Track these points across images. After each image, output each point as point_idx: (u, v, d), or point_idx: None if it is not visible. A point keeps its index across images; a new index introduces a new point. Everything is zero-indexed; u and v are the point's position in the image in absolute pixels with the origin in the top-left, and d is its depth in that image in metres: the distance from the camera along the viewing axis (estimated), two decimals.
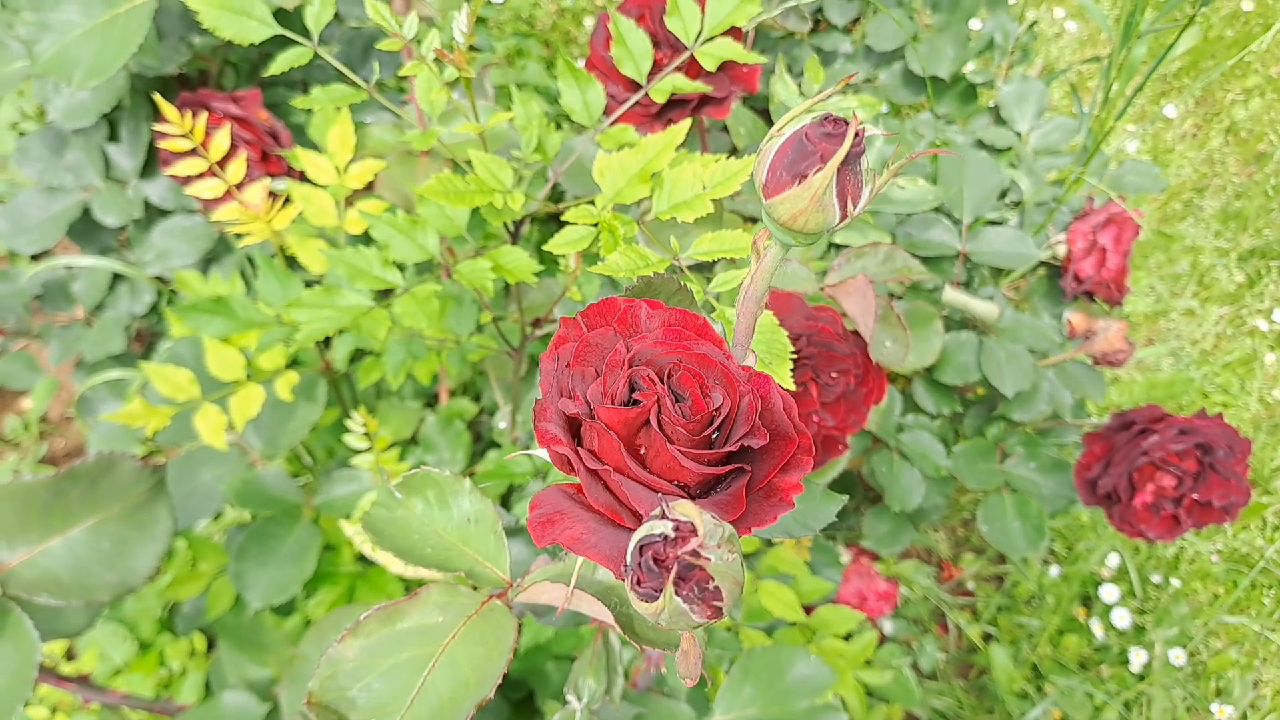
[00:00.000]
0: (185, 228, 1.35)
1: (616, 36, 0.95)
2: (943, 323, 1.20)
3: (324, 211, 1.05)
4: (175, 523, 0.85)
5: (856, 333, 0.90)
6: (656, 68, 0.99)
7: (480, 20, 2.07)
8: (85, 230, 1.41)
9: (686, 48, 0.96)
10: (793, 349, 0.89)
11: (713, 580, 0.32)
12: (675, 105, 1.02)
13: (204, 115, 0.99)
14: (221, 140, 0.98)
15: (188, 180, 1.04)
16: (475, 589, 0.52)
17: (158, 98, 0.96)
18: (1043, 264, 1.37)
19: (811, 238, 0.38)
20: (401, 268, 0.92)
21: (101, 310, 1.41)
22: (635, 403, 0.43)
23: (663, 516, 0.32)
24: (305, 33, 0.88)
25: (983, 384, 1.22)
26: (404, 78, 1.41)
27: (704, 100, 1.02)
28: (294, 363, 1.15)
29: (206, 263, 1.37)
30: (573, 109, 0.97)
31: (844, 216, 0.37)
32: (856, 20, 1.64)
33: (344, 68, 0.91)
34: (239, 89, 1.37)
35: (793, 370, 0.90)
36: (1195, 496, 1.03)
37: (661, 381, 0.44)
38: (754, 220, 1.08)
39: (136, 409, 0.99)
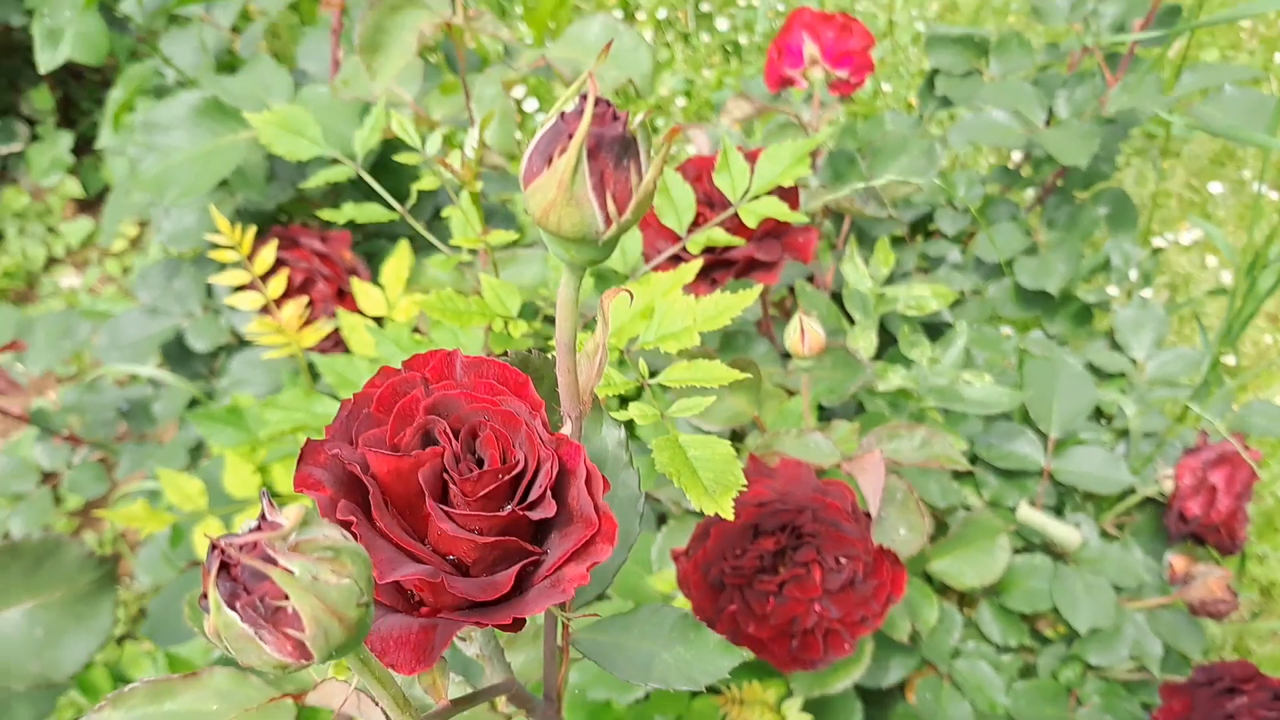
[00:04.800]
0: (261, 359, 1.37)
1: (661, 187, 0.93)
2: (1011, 540, 1.08)
3: (365, 342, 1.04)
4: (114, 623, 0.81)
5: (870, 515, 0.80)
6: (702, 224, 0.96)
7: None
8: (178, 354, 1.46)
9: (732, 204, 0.93)
10: (778, 526, 0.80)
11: (289, 599, 0.25)
12: (721, 266, 0.98)
13: (252, 231, 1.01)
14: (269, 261, 1.00)
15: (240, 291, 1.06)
16: (273, 683, 0.45)
17: (212, 207, 0.99)
18: (1149, 500, 1.23)
19: (582, 249, 0.33)
20: None
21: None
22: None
23: (262, 518, 0.26)
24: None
25: (1056, 616, 1.08)
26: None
27: (752, 264, 0.98)
28: None
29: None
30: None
31: (607, 220, 0.31)
32: (970, 234, 1.59)
33: (384, 192, 0.91)
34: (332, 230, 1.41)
35: (795, 549, 0.81)
36: None
37: (457, 436, 0.38)
38: (793, 394, 1.01)
39: (138, 511, 0.97)
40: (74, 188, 2.07)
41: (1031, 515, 1.10)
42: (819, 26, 1.23)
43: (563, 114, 0.30)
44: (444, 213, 0.82)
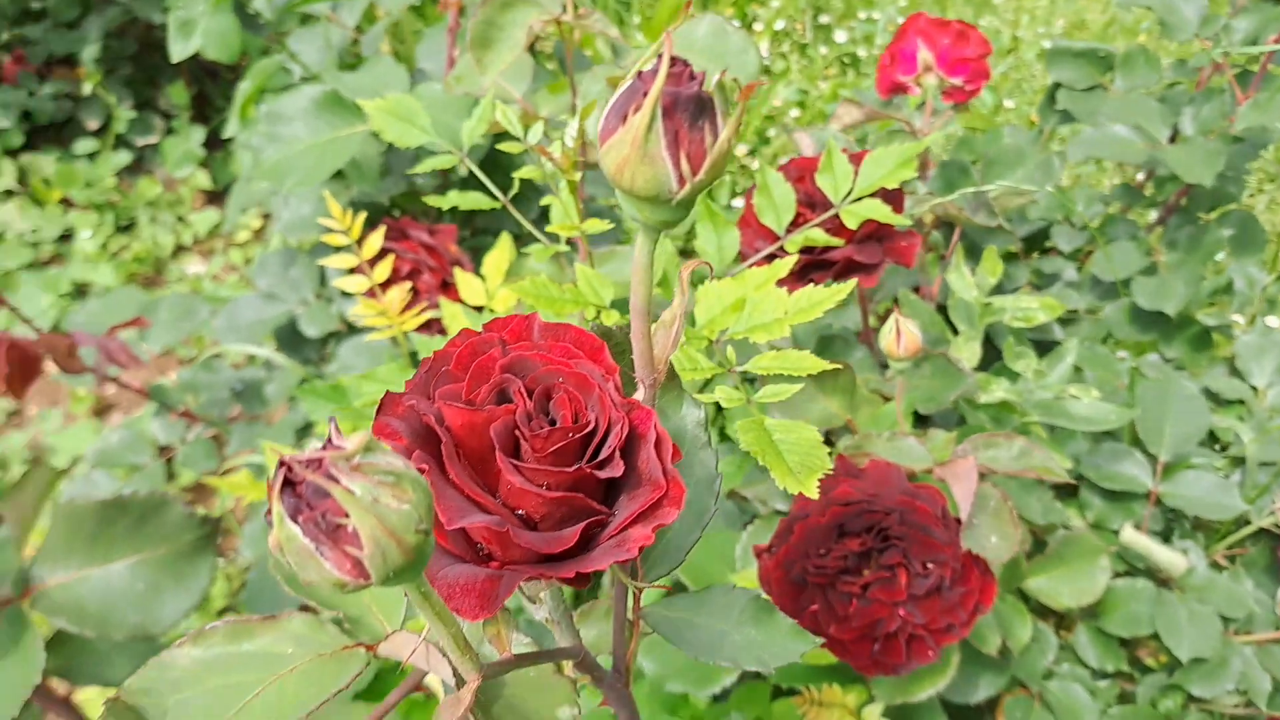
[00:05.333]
0: (368, 345, 1.41)
1: (762, 186, 0.93)
2: (1112, 563, 1.04)
3: (463, 327, 1.06)
4: (211, 582, 0.84)
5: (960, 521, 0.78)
6: (802, 224, 0.95)
7: None
8: (290, 339, 1.51)
9: (833, 205, 0.92)
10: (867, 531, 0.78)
11: (349, 519, 0.25)
12: (819, 267, 0.98)
13: (362, 217, 1.04)
14: (376, 247, 1.03)
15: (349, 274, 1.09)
16: (348, 632, 0.46)
17: (326, 193, 1.03)
18: (1264, 531, 1.17)
19: (656, 208, 0.32)
20: None
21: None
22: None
23: (328, 442, 0.26)
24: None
25: (1158, 644, 1.04)
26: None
27: (851, 265, 0.97)
28: None
29: None
30: (705, 250, 0.95)
31: (680, 179, 0.31)
32: (1088, 253, 1.54)
33: (488, 181, 0.93)
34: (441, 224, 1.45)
35: (881, 551, 0.79)
36: None
37: (530, 396, 0.38)
38: (889, 399, 0.99)
39: (242, 480, 1.01)
40: (204, 180, 2.16)
41: (1136, 539, 1.06)
42: (934, 32, 1.21)
43: (640, 73, 0.31)
44: (543, 201, 0.83)
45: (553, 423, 0.38)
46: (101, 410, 1.86)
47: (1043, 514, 1.08)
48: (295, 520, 0.25)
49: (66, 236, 2.10)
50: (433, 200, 0.89)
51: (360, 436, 0.26)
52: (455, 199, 0.90)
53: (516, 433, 0.37)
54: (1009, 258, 1.55)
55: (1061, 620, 1.16)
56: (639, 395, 0.40)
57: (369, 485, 0.26)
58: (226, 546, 1.72)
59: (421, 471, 0.36)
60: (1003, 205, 1.23)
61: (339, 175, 1.42)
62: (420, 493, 0.27)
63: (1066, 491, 1.21)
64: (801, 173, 0.99)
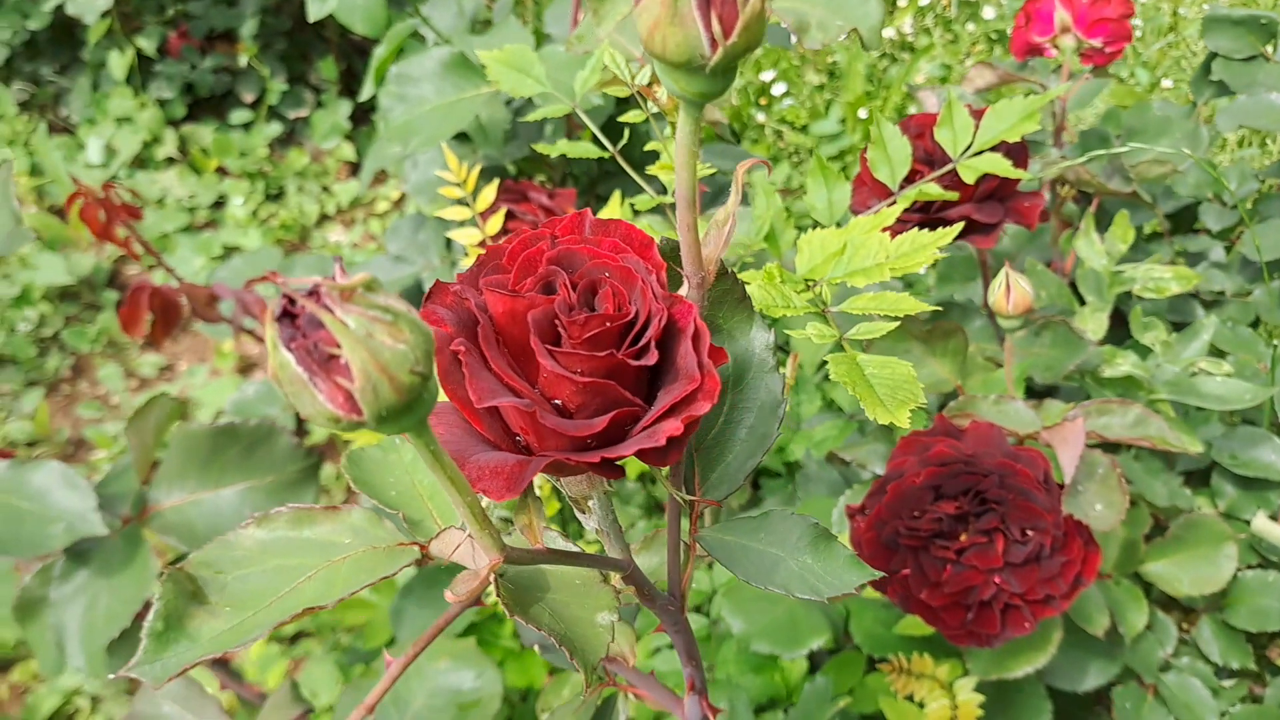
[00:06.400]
0: None
1: (876, 139, 0.91)
2: (1242, 553, 0.98)
3: None
4: None
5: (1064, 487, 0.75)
6: (918, 181, 0.92)
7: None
8: (417, 301, 1.55)
9: (951, 160, 0.89)
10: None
11: (341, 351, 0.25)
12: (934, 225, 0.94)
13: (477, 170, 1.05)
14: (489, 199, 1.04)
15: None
16: (404, 530, 0.47)
17: (444, 144, 1.05)
18: None
19: (691, 78, 0.31)
20: None
21: None
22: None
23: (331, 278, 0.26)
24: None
25: None
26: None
27: (969, 225, 0.93)
28: None
29: None
30: (815, 207, 0.93)
31: (713, 43, 0.30)
32: (1240, 233, 1.45)
33: (598, 131, 0.93)
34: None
35: (978, 515, 0.76)
36: None
37: (575, 289, 0.38)
38: (994, 361, 0.95)
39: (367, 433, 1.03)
40: (348, 152, 2.24)
41: (1269, 528, 0.99)
42: None
43: None
44: (647, 146, 0.83)
45: (593, 314, 0.37)
46: (245, 368, 1.95)
47: (1169, 498, 1.02)
48: (289, 348, 0.26)
49: (220, 203, 2.21)
50: (542, 148, 0.90)
51: (362, 275, 0.26)
52: (565, 147, 0.91)
53: (556, 322, 0.37)
54: (1153, 237, 1.47)
55: (1187, 614, 1.09)
56: (685, 292, 0.39)
57: (364, 319, 0.26)
58: (351, 502, 1.78)
59: (459, 354, 0.37)
60: (1142, 175, 1.17)
61: (465, 139, 1.45)
62: (419, 335, 0.27)
63: (1198, 480, 1.14)
64: (921, 129, 0.96)
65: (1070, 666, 0.94)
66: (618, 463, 0.36)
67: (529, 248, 0.39)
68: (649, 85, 0.79)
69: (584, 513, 0.45)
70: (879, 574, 0.47)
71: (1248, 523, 1.03)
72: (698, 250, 0.38)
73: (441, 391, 0.37)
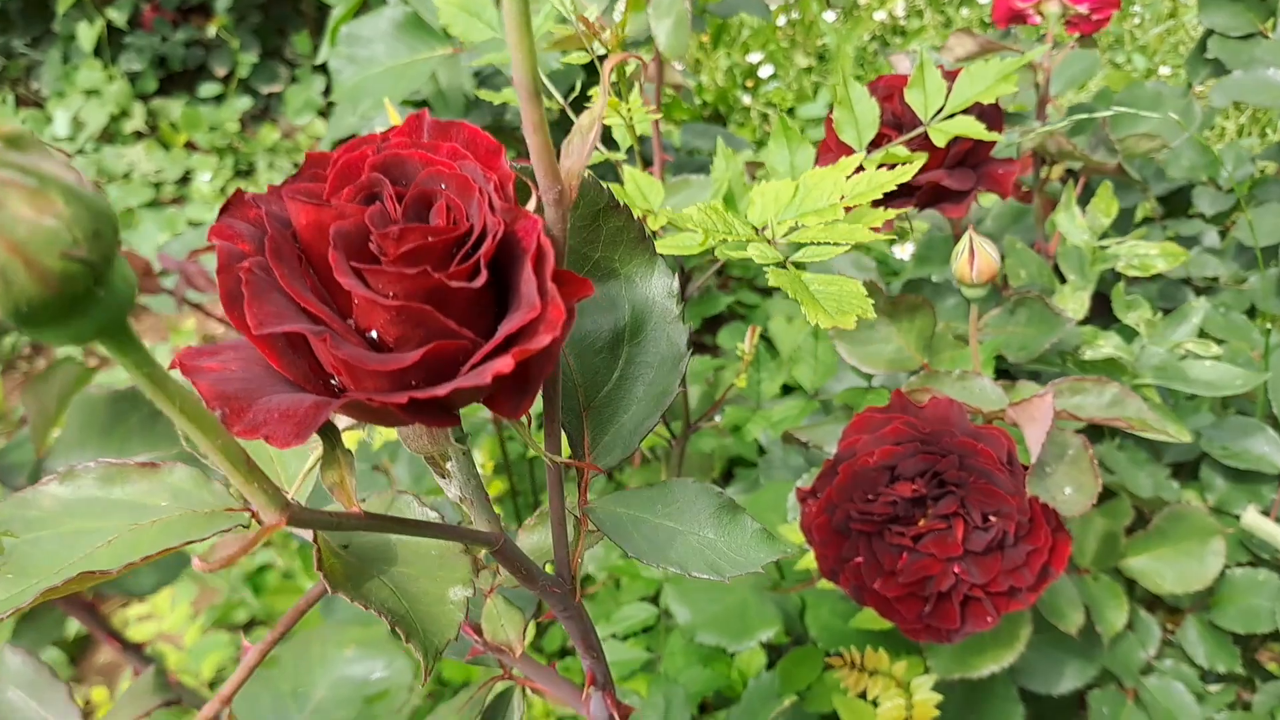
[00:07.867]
0: None
1: (842, 99, 0.84)
2: (1231, 549, 0.91)
3: None
4: None
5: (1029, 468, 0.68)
6: (884, 144, 0.86)
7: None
8: None
9: (922, 124, 0.82)
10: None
11: None
12: (901, 194, 0.88)
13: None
14: None
15: None
16: (235, 497, 0.41)
17: (386, 100, 0.98)
18: None
19: None
20: None
21: None
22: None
23: None
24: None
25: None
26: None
27: (938, 192, 0.87)
28: None
29: None
30: (776, 170, 0.86)
31: None
32: (1234, 219, 1.38)
33: (552, 87, 0.87)
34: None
35: (937, 499, 0.70)
36: None
37: (399, 200, 0.32)
38: (964, 340, 0.89)
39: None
40: (321, 128, 2.18)
41: (1260, 523, 0.92)
42: None
43: None
44: (590, 91, 0.77)
45: (409, 225, 0.31)
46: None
47: (1154, 489, 0.96)
48: None
49: (188, 179, 2.14)
50: (484, 94, 0.84)
51: (11, 128, 0.20)
52: (510, 95, 0.85)
53: (370, 238, 0.31)
54: (1144, 221, 1.41)
55: (1171, 614, 1.03)
56: (545, 215, 0.33)
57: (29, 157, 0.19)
58: None
59: (253, 275, 0.30)
60: (1130, 150, 1.10)
61: (425, 105, 1.39)
62: (80, 209, 0.20)
63: (1187, 473, 1.07)
64: (890, 90, 0.89)
65: (1044, 667, 0.87)
66: (443, 407, 0.30)
67: (353, 151, 0.33)
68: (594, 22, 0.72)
69: (444, 477, 0.38)
70: (787, 549, 0.41)
71: (1238, 518, 0.97)
72: (550, 156, 0.32)
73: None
